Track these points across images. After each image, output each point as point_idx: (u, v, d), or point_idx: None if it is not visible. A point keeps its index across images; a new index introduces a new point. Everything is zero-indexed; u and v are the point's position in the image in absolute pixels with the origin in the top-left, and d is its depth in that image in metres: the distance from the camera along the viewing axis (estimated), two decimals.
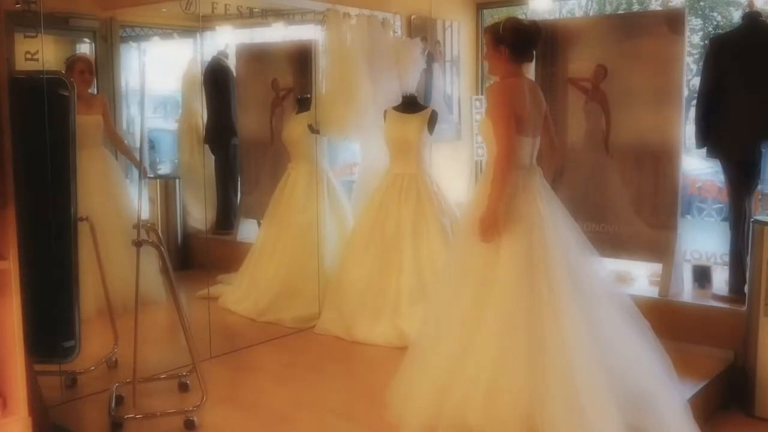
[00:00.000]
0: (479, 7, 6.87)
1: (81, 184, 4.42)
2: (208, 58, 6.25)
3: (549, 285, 3.32)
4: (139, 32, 5.88)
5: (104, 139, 5.05)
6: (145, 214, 3.68)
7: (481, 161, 6.51)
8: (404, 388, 3.49)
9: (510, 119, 3.34)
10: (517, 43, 3.42)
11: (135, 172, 5.43)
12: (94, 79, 5.01)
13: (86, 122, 4.96)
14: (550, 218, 3.45)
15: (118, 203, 5.01)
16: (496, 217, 3.32)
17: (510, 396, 3.18)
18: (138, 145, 5.60)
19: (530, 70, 5.56)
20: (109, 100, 5.19)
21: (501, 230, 3.34)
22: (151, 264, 4.03)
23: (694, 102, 4.95)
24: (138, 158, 5.06)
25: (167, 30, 6.26)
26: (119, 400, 3.71)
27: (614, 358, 3.30)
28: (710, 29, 11.27)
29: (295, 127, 5.59)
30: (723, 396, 4.25)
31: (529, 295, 3.28)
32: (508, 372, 3.21)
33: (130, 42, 5.77)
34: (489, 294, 3.36)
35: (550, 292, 3.30)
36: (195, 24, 5.71)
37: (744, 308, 4.34)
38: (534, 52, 3.56)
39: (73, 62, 4.94)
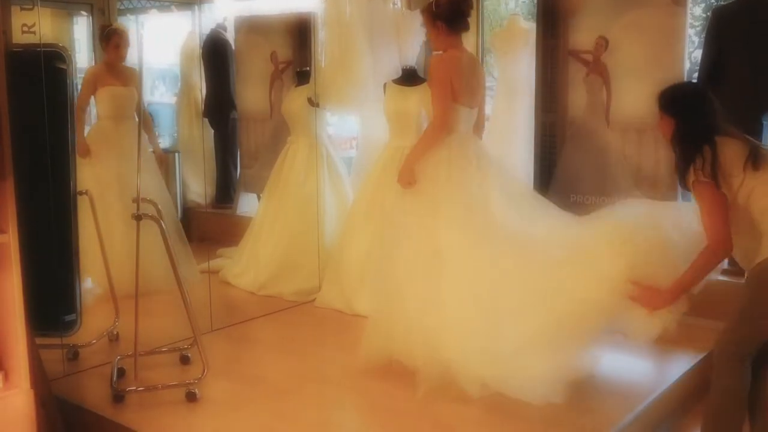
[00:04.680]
0: None
1: (115, 156, 4.65)
2: (206, 31, 6.21)
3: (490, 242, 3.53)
4: (136, 5, 5.84)
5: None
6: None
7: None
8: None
9: (446, 90, 3.61)
10: (450, 15, 3.67)
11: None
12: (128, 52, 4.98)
13: (121, 94, 4.94)
14: (488, 181, 3.66)
15: (148, 176, 4.94)
16: (412, 170, 3.66)
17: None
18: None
19: (530, 42, 5.56)
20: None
21: (438, 193, 3.59)
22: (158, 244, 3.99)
23: (696, 75, 4.92)
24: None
25: (165, 2, 6.22)
26: (121, 372, 3.74)
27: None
28: (713, 1, 11.18)
29: (294, 100, 5.56)
30: None
31: (473, 255, 3.51)
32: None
33: (128, 15, 5.73)
34: (436, 260, 3.55)
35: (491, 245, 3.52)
36: None
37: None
38: (469, 22, 3.77)
39: (109, 35, 4.91)
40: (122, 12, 5.52)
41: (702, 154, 2.85)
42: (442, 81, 3.63)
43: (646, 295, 3.08)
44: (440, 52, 3.76)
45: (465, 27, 3.77)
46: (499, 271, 3.46)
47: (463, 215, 3.57)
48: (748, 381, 2.94)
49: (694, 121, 2.95)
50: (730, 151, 2.87)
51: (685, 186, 2.96)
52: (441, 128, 3.66)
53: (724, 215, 2.88)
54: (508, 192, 3.72)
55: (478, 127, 3.96)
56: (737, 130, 2.98)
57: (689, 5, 4.76)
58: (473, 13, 6.64)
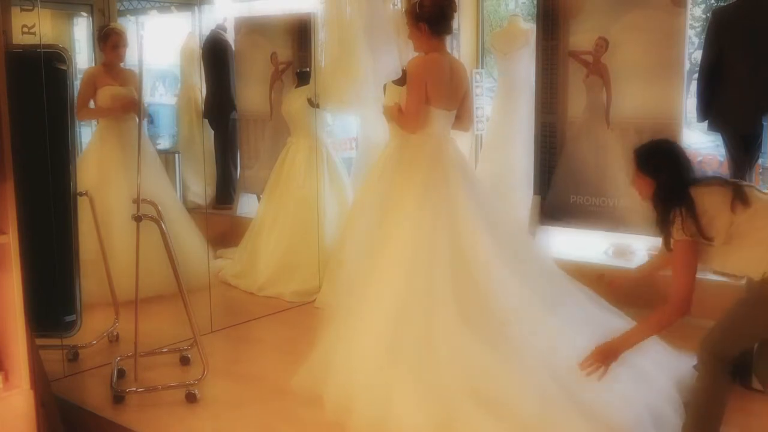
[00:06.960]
0: None
1: (117, 156, 4.72)
2: (206, 31, 6.22)
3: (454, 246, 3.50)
4: (136, 6, 5.84)
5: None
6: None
7: (481, 135, 6.48)
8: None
9: (420, 92, 3.61)
10: (433, 18, 3.63)
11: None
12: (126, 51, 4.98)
13: (121, 94, 4.94)
14: (461, 186, 3.64)
15: (152, 177, 4.94)
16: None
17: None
18: None
19: (530, 43, 5.56)
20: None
21: (409, 193, 3.60)
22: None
23: (696, 75, 4.92)
24: None
25: (165, 3, 6.22)
26: (121, 373, 3.74)
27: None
28: (713, 1, 11.18)
29: (294, 100, 5.56)
30: None
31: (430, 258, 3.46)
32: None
33: (128, 16, 5.74)
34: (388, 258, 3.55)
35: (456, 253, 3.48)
36: None
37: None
38: (452, 25, 3.75)
39: (107, 35, 4.89)
40: (122, 13, 5.53)
41: (681, 211, 2.83)
42: (417, 84, 3.63)
43: (595, 355, 3.02)
44: (421, 53, 3.75)
45: (448, 30, 3.75)
46: (433, 300, 3.36)
47: (433, 222, 3.54)
48: (728, 381, 2.92)
49: (673, 179, 2.92)
50: (711, 197, 2.84)
51: (667, 243, 2.93)
52: (409, 127, 3.73)
53: (694, 276, 2.87)
54: (481, 207, 3.69)
55: (463, 122, 3.94)
56: (715, 176, 2.98)
57: (689, 6, 4.76)
58: (474, 13, 6.72)
